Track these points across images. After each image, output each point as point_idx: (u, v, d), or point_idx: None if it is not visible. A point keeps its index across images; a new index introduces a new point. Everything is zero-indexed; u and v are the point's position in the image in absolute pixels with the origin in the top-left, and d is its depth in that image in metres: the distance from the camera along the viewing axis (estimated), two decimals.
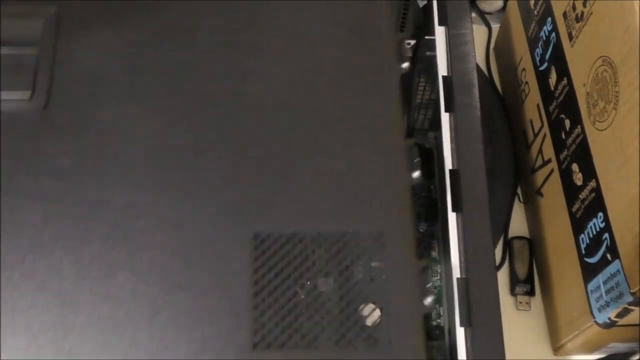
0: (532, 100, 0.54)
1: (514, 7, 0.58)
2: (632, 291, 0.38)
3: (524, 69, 0.56)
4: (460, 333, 0.36)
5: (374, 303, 0.37)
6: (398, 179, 0.41)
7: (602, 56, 0.42)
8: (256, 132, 0.42)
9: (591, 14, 0.44)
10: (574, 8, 0.46)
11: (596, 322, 0.43)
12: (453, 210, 0.39)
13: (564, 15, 0.47)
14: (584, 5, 0.44)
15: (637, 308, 0.39)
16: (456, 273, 0.37)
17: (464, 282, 0.37)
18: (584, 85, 0.44)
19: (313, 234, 0.38)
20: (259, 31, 0.45)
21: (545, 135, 0.51)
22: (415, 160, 0.41)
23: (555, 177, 0.49)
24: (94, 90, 0.42)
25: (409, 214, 0.40)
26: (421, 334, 0.37)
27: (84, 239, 0.38)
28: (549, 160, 0.51)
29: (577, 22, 0.45)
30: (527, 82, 0.55)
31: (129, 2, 0.45)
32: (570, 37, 0.47)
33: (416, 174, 0.41)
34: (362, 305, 0.37)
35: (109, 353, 0.35)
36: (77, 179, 0.40)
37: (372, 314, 0.37)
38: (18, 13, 0.44)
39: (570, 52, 0.47)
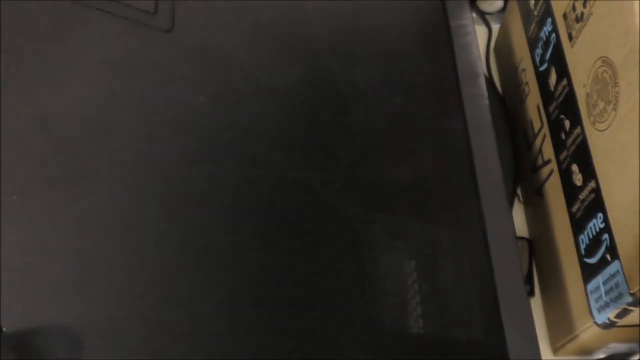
0: (532, 101, 0.54)
1: (514, 8, 0.58)
2: (631, 292, 0.38)
3: (524, 70, 0.56)
4: None
5: None
6: None
7: (602, 57, 0.42)
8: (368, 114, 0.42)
9: (591, 14, 0.44)
10: (574, 9, 0.46)
11: (596, 323, 0.43)
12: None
13: (564, 15, 0.47)
14: (584, 6, 0.44)
15: (637, 309, 0.39)
16: None
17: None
18: (584, 85, 0.44)
19: None
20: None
21: (545, 135, 0.51)
22: None
23: (555, 178, 0.49)
24: (214, 21, 0.40)
25: None
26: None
27: (217, 161, 0.36)
28: (549, 161, 0.51)
29: (577, 22, 0.45)
30: (527, 83, 0.55)
31: None
32: (570, 38, 0.47)
33: None
34: None
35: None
36: (204, 108, 0.37)
37: None
38: None
39: (570, 53, 0.47)
